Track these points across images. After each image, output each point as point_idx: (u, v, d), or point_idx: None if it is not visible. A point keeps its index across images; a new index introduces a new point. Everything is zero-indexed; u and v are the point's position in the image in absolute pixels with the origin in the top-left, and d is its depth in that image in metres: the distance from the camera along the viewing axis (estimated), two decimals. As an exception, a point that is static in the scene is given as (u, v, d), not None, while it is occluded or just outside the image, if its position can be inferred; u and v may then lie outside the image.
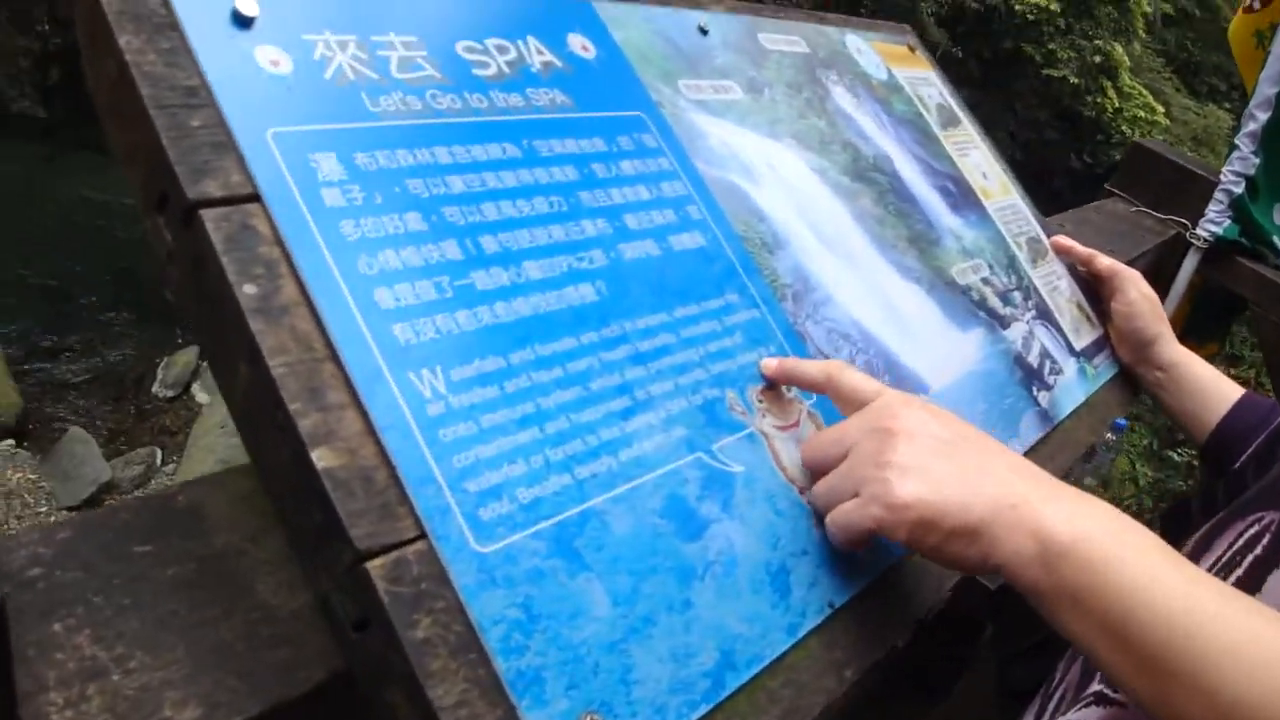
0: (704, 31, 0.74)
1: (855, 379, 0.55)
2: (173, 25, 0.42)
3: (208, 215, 0.40)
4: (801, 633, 0.49)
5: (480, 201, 0.50)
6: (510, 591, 0.39)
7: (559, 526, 0.43)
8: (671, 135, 0.64)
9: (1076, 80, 8.30)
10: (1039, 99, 8.19)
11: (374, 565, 0.37)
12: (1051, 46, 8.26)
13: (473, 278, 0.47)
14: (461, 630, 0.38)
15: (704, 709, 0.43)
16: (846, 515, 0.51)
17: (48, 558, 0.42)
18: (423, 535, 0.38)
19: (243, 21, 0.45)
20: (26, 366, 4.55)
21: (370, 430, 0.40)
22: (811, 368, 0.57)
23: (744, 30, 0.79)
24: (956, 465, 0.49)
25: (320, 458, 0.38)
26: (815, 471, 0.54)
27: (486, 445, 0.42)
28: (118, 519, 0.45)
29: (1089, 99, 8.48)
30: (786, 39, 0.84)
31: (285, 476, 0.40)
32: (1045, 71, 8.31)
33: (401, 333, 0.43)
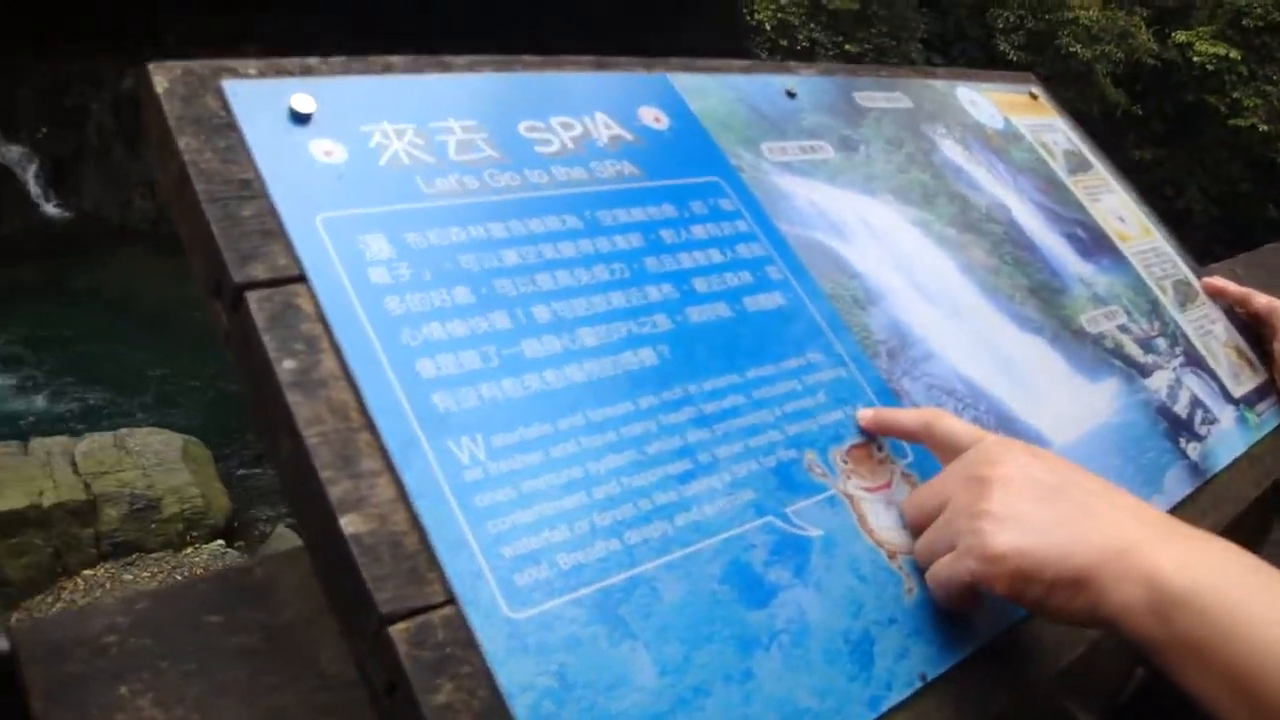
0: (792, 95, 0.73)
1: (952, 425, 0.52)
2: (231, 126, 0.45)
3: (252, 296, 0.42)
4: (885, 707, 0.45)
5: (535, 273, 0.50)
6: (543, 658, 0.38)
7: (602, 593, 0.41)
8: (751, 198, 0.63)
9: (1266, 127, 7.74)
10: (1229, 150, 7.68)
11: (397, 629, 0.37)
12: (1236, 95, 7.75)
13: (522, 346, 0.47)
14: (486, 696, 0.36)
15: (766, 790, 0.40)
16: (944, 569, 0.48)
17: (124, 626, 0.44)
18: (451, 600, 0.38)
19: (300, 119, 0.48)
20: (234, 471, 4.93)
21: (403, 497, 0.40)
22: (907, 416, 0.54)
23: (837, 91, 0.78)
24: (1058, 510, 0.45)
25: (349, 524, 0.38)
26: (916, 527, 0.51)
27: (526, 510, 0.42)
28: (195, 590, 0.47)
29: (1281, 145, 7.87)
30: (886, 96, 0.82)
31: (324, 546, 0.40)
32: (1231, 122, 7.79)
33: (441, 401, 0.43)
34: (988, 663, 0.49)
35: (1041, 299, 0.74)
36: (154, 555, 3.69)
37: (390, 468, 0.40)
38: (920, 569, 0.50)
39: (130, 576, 3.53)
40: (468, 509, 0.40)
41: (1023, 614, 0.52)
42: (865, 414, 0.55)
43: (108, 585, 3.47)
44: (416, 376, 0.43)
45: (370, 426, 0.41)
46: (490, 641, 0.37)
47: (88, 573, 3.55)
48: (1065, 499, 0.46)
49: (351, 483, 0.39)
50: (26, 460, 3.69)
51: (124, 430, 4.10)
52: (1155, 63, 7.71)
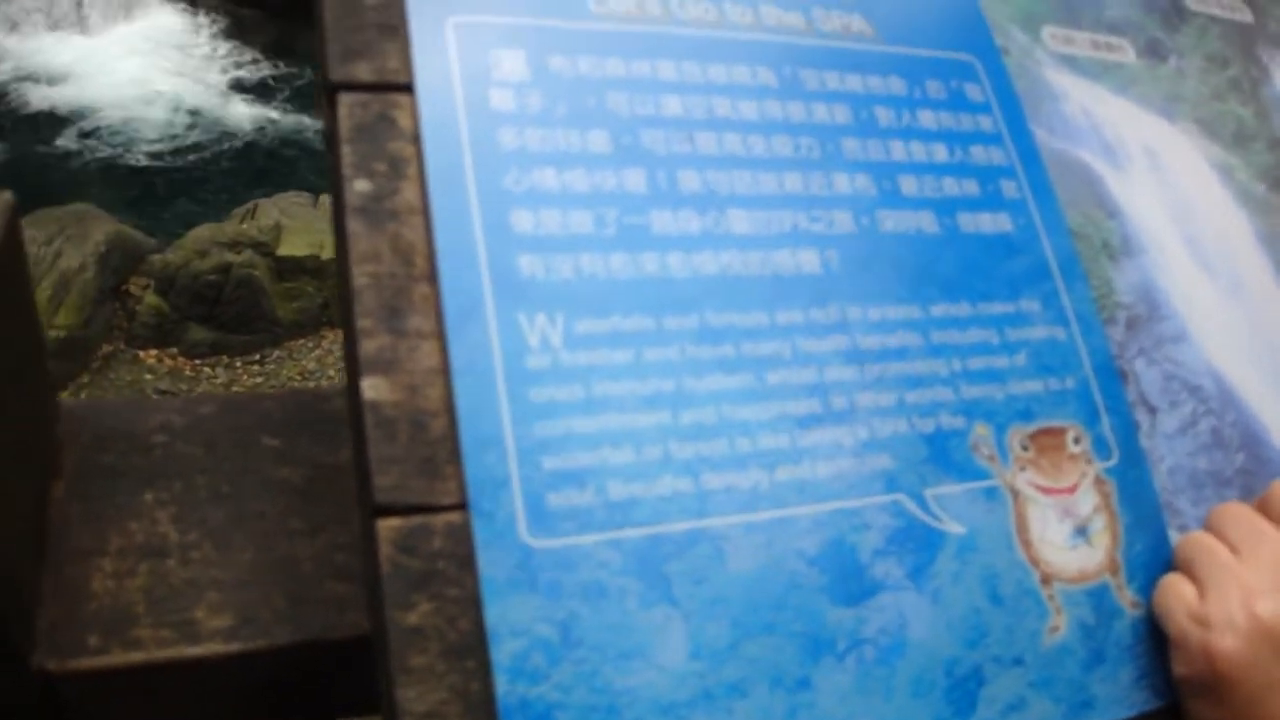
0: (1108, -29, 0.57)
1: None
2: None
3: (344, 99, 0.36)
4: (975, 771, 0.35)
5: (696, 130, 0.41)
6: (550, 602, 0.31)
7: (652, 541, 0.34)
8: (1008, 91, 0.49)
9: None
10: None
11: (387, 524, 0.31)
12: None
13: (651, 217, 0.38)
14: (468, 629, 0.30)
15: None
16: (1174, 598, 0.39)
17: (178, 428, 0.42)
18: (462, 505, 0.32)
19: (458, -109, 0.40)
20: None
21: (445, 370, 0.33)
22: None
23: (1171, -24, 0.60)
24: None
25: (370, 387, 0.32)
26: (1210, 524, 0.42)
27: (589, 418, 0.34)
28: (262, 407, 0.44)
29: None
30: (1222, 2, 0.63)
31: (351, 408, 0.35)
32: None
33: (528, 265, 0.36)
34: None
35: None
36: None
37: (442, 332, 0.34)
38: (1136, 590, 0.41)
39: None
40: (517, 401, 0.33)
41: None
42: None
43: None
44: (507, 229, 0.36)
45: (434, 278, 0.35)
46: (492, 566, 0.31)
47: (348, 328, 3.88)
48: None
49: (390, 339, 0.33)
50: (315, 214, 4.01)
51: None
52: None
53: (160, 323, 3.71)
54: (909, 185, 0.44)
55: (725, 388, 0.37)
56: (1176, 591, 0.39)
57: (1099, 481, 0.42)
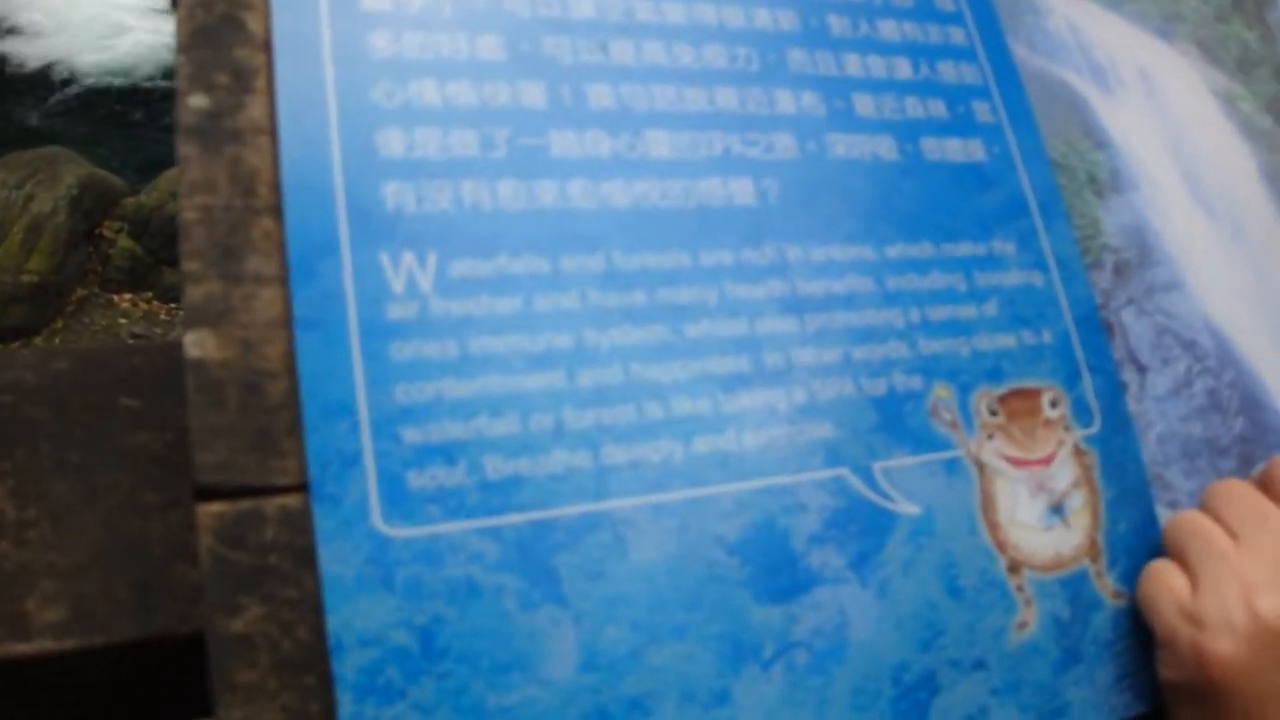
0: None
1: None
2: None
3: (183, -3, 0.30)
4: (923, 792, 0.31)
5: (610, 37, 0.35)
6: (409, 604, 0.26)
7: (538, 528, 0.28)
8: (986, 1, 0.43)
9: None
10: None
11: (208, 510, 0.25)
12: None
13: (550, 139, 0.32)
14: (307, 638, 0.25)
15: None
16: (1163, 589, 0.34)
17: (28, 385, 0.36)
18: (302, 487, 0.26)
19: None
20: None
21: (289, 322, 0.28)
22: None
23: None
24: None
25: (195, 344, 0.27)
26: (1205, 503, 0.36)
27: (463, 380, 0.29)
28: (125, 363, 0.38)
29: None
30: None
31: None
32: None
33: (395, 194, 0.30)
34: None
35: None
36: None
37: (286, 277, 0.28)
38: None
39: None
40: (374, 359, 0.28)
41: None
42: None
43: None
44: (372, 151, 0.30)
45: (279, 211, 0.29)
46: (337, 560, 0.26)
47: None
48: None
49: (222, 285, 0.28)
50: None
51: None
52: None
53: (134, 266, 3.63)
54: (865, 105, 0.38)
55: (634, 343, 0.31)
56: (1165, 582, 0.34)
57: (1078, 451, 0.37)
